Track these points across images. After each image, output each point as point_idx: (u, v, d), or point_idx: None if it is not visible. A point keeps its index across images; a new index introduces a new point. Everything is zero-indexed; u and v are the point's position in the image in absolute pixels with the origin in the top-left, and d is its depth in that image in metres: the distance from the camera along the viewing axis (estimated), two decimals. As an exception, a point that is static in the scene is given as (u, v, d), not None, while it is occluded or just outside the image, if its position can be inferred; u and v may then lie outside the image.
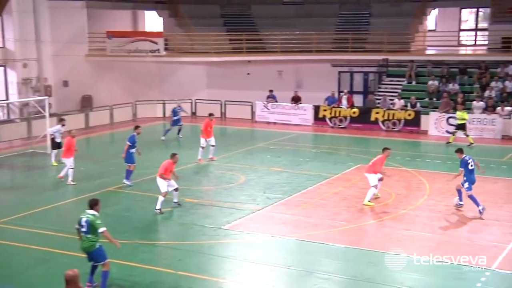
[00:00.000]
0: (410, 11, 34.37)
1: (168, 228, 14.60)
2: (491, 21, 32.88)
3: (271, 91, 30.86)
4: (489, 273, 11.39)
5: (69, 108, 30.32)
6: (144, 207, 16.04)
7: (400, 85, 30.99)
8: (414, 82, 30.66)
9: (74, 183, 18.26)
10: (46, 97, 25.84)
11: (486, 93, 27.16)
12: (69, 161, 18.34)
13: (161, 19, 37.11)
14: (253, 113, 30.74)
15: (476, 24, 38.48)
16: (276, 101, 30.51)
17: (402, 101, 28.17)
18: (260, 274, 11.63)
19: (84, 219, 10.50)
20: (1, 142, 24.59)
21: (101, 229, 10.41)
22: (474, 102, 26.41)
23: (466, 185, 14.92)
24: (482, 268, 11.61)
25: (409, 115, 27.50)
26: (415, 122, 27.34)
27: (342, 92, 30.83)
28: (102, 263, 10.59)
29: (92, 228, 10.40)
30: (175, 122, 26.05)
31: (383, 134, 27.30)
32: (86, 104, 31.97)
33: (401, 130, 27.52)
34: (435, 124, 26.78)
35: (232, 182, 18.49)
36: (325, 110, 29.41)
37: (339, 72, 33.83)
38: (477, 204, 14.68)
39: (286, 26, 34.80)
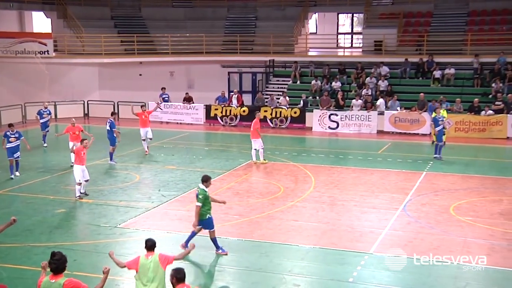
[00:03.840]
0: (293, 15, 36.01)
1: (62, 229, 14.31)
2: (364, 25, 35.30)
3: (163, 88, 31.14)
4: (368, 257, 12.34)
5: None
6: (36, 209, 15.86)
7: (286, 84, 32.42)
8: (298, 82, 32.19)
9: None
10: None
11: (363, 92, 29.10)
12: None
13: (49, 20, 36.17)
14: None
15: (352, 28, 41.30)
16: (168, 101, 30.82)
17: (287, 98, 29.60)
18: (156, 269, 11.94)
19: (197, 191, 12.30)
20: None
21: (196, 204, 12.17)
22: (354, 101, 28.20)
23: None
24: (361, 252, 12.60)
25: (295, 112, 28.89)
26: (300, 119, 28.79)
27: (232, 91, 31.73)
28: (210, 230, 12.38)
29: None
30: (44, 126, 24.55)
31: (271, 131, 28.40)
32: (-28, 105, 30.55)
33: (288, 127, 28.89)
34: (318, 121, 28.36)
35: (127, 181, 18.64)
36: (216, 109, 30.16)
37: (229, 73, 34.83)
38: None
39: (176, 28, 35.32)
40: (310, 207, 16.01)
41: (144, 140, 22.59)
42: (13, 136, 18.88)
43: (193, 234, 12.61)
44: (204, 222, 12.40)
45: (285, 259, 12.31)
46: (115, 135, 20.88)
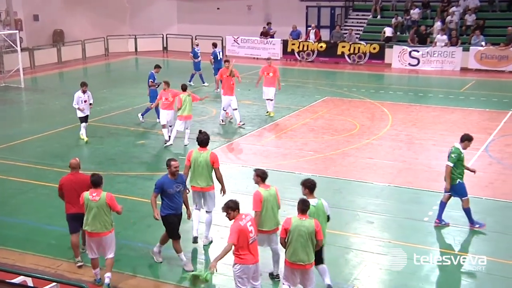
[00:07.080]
0: None
1: (142, 160, 14.80)
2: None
3: (269, 23, 31.11)
4: (444, 196, 12.17)
5: (40, 43, 30.00)
6: (118, 139, 16.48)
7: (366, 19, 31.37)
8: (379, 16, 31.05)
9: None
10: (16, 31, 25.45)
11: (448, 26, 27.74)
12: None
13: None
14: (223, 47, 30.91)
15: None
16: (273, 37, 30.69)
17: (390, 28, 28.72)
18: (232, 202, 12.18)
19: (450, 149, 10.86)
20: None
21: (447, 163, 10.70)
22: (438, 36, 26.97)
23: None
24: (438, 192, 12.06)
25: (374, 48, 28.07)
26: (379, 55, 27.97)
27: (309, 26, 31.11)
28: (463, 198, 10.73)
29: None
30: (197, 66, 23.48)
31: (349, 67, 27.89)
32: (57, 38, 31.62)
33: (366, 63, 28.18)
34: (398, 57, 27.45)
35: (203, 115, 18.91)
36: (293, 44, 29.78)
37: (307, 7, 33.95)
38: None
39: (254, -41, 34.59)
40: (386, 145, 15.75)
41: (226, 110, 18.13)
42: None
43: (443, 206, 10.98)
44: (454, 187, 10.74)
45: (359, 196, 12.25)
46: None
